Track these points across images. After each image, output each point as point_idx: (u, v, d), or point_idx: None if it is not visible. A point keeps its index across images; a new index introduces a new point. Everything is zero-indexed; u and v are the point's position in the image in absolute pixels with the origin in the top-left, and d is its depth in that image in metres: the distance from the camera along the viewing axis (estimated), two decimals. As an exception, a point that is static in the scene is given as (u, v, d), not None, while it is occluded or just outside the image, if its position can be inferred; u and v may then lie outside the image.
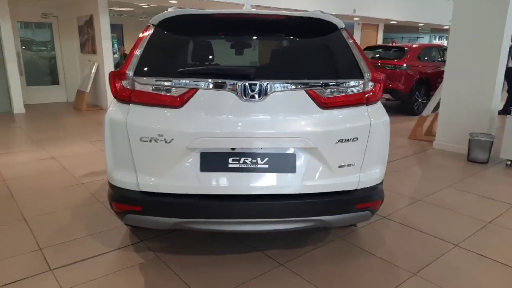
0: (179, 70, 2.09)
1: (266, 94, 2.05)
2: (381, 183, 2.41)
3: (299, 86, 2.09)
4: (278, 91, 2.07)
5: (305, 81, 2.10)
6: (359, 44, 10.12)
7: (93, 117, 7.69)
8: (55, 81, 9.75)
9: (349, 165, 2.20)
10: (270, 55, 2.28)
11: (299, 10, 9.95)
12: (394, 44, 9.28)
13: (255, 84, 2.03)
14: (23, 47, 9.07)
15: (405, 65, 8.14)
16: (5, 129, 6.69)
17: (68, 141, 5.85)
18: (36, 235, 2.90)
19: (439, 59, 8.91)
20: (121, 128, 2.10)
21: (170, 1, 8.31)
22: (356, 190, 2.25)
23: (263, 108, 2.07)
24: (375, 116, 2.24)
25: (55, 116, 7.88)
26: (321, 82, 2.12)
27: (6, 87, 8.05)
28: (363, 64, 2.22)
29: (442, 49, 9.18)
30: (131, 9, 10.44)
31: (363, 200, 2.27)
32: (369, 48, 9.39)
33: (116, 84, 2.12)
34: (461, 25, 5.15)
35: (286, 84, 2.08)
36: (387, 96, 8.34)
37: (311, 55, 2.28)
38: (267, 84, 2.05)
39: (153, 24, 2.27)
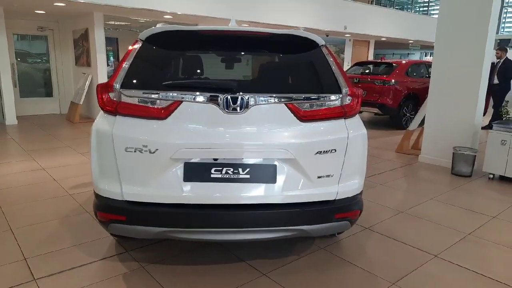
0: (164, 83, 2.18)
1: (247, 107, 2.14)
2: (360, 193, 2.49)
3: (279, 100, 2.18)
4: (259, 104, 2.16)
5: (285, 95, 2.19)
6: (350, 59, 10.26)
7: (86, 129, 7.74)
8: (49, 93, 9.81)
9: (327, 176, 2.28)
10: (252, 70, 2.38)
11: (287, 27, 10.21)
12: (383, 60, 9.47)
13: (237, 98, 2.12)
14: (18, 59, 9.14)
15: (393, 80, 8.32)
16: (-4, 140, 6.71)
17: (59, 152, 5.88)
18: (22, 245, 2.93)
19: (427, 75, 9.11)
20: (107, 138, 2.16)
21: (165, 16, 8.47)
22: (334, 200, 2.33)
23: (245, 120, 2.15)
24: (353, 129, 2.33)
25: (47, 128, 7.91)
26: (301, 96, 2.22)
27: (-1, 98, 8.10)
28: (341, 80, 2.32)
29: (430, 65, 9.38)
30: (127, 23, 10.59)
31: (342, 210, 2.34)
32: (359, 64, 9.59)
33: (103, 96, 2.20)
34: (444, 41, 5.33)
35: (266, 98, 2.17)
36: (375, 110, 8.50)
37: (291, 70, 2.38)
38: (248, 97, 2.13)
39: (141, 39, 2.36)
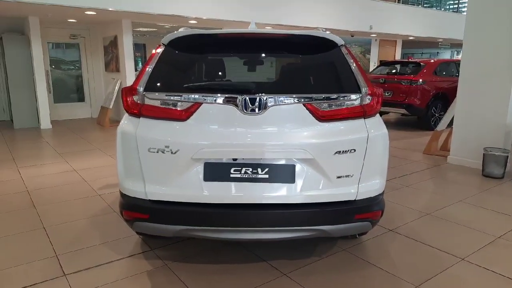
0: (185, 85, 2.24)
1: (265, 107, 2.16)
2: (381, 194, 2.46)
3: (297, 100, 2.20)
4: (277, 105, 2.18)
5: (303, 95, 2.21)
6: (376, 60, 10.09)
7: (115, 132, 7.97)
8: (81, 98, 10.21)
9: (347, 176, 2.27)
10: (271, 71, 2.41)
11: (310, 28, 10.16)
12: (410, 59, 9.26)
13: (255, 98, 2.15)
14: (52, 66, 9.58)
15: (421, 80, 8.12)
16: (32, 143, 7.05)
17: (89, 154, 6.12)
18: (53, 242, 3.07)
19: (457, 74, 8.84)
20: (131, 140, 2.25)
21: (190, 21, 8.65)
22: (355, 200, 2.31)
23: (263, 121, 2.18)
24: (373, 129, 2.31)
25: (79, 131, 8.24)
26: (319, 96, 2.22)
27: (34, 104, 8.50)
28: (360, 79, 2.31)
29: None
30: (154, 29, 10.88)
31: (362, 211, 2.32)
32: (385, 64, 9.43)
33: (128, 99, 2.29)
34: (473, 39, 5.16)
35: (284, 98, 2.19)
36: (402, 111, 8.33)
37: (310, 71, 2.39)
38: (267, 98, 2.16)
39: (163, 44, 2.44)
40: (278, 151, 2.19)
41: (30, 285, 2.48)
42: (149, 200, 2.28)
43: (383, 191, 2.50)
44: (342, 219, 2.30)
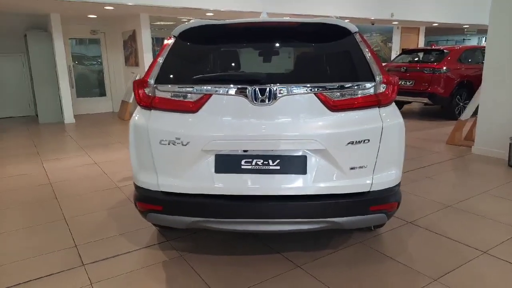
0: (194, 77, 2.23)
1: (275, 98, 2.13)
2: (398, 185, 2.39)
3: (308, 90, 2.15)
4: (287, 95, 2.14)
5: (314, 84, 2.16)
6: (398, 48, 9.75)
7: (135, 126, 8.11)
8: (102, 93, 10.42)
9: (361, 167, 2.21)
10: (283, 60, 2.37)
11: (318, 16, 9.88)
12: (433, 46, 8.97)
13: (265, 89, 2.12)
14: (75, 62, 9.79)
15: (444, 68, 7.86)
16: (56, 137, 7.26)
17: (110, 148, 6.24)
18: (73, 233, 3.15)
19: (483, 62, 8.50)
20: (143, 132, 2.26)
21: (207, 14, 8.64)
22: (369, 192, 2.26)
23: (273, 111, 2.15)
24: (388, 118, 2.24)
25: (100, 125, 8.41)
26: (331, 85, 2.17)
27: (58, 99, 8.73)
28: (374, 67, 2.23)
29: (487, 51, 8.74)
30: (172, 23, 10.94)
31: (377, 202, 2.27)
32: (407, 52, 9.16)
33: (139, 92, 2.30)
34: (499, 24, 4.93)
35: (295, 88, 2.15)
36: (425, 100, 8.09)
37: (322, 60, 2.33)
38: (276, 88, 2.13)
39: (174, 35, 2.43)
40: (289, 142, 2.15)
41: (50, 274, 2.55)
42: (162, 192, 2.29)
43: (400, 182, 2.43)
44: (356, 211, 2.26)
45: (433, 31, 15.54)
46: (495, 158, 5.10)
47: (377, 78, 2.22)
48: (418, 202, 3.67)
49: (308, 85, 2.15)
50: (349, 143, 2.16)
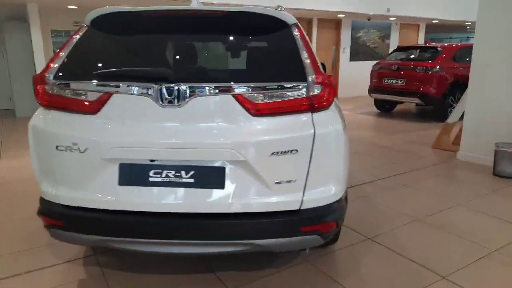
0: (95, 72, 1.91)
1: (185, 99, 1.81)
2: (338, 201, 2.06)
3: (225, 90, 1.83)
4: (199, 96, 1.82)
5: (233, 84, 1.84)
6: (396, 45, 9.18)
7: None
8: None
9: (289, 182, 1.89)
10: (204, 55, 2.05)
11: (321, 11, 9.23)
12: (427, 44, 8.56)
13: (172, 88, 1.80)
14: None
15: (438, 67, 7.46)
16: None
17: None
18: (0, 241, 2.87)
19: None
20: (41, 135, 1.97)
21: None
22: (299, 210, 1.94)
23: (183, 114, 1.84)
24: (323, 125, 1.91)
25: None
26: (253, 86, 1.84)
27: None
28: (308, 65, 1.90)
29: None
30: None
31: (309, 222, 1.95)
32: (400, 49, 8.77)
33: (38, 88, 1.99)
34: (487, 21, 4.57)
35: (209, 88, 1.82)
36: (416, 100, 7.71)
37: (249, 55, 2.01)
38: (186, 87, 1.81)
39: (86, 24, 2.12)
40: (202, 151, 1.84)
41: (-51, 293, 2.27)
42: (62, 205, 1.99)
43: (341, 197, 2.11)
44: (284, 232, 1.94)
45: (434, 28, 15.07)
46: (480, 165, 4.74)
47: (310, 78, 1.88)
48: (385, 214, 3.34)
49: (225, 85, 1.83)
50: (273, 154, 1.84)
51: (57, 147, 1.91)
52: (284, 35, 2.00)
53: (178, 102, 1.81)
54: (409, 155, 5.32)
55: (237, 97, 1.83)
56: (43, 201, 2.08)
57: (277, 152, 1.84)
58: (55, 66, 1.97)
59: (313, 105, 1.90)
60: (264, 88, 1.85)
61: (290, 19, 2.05)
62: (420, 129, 7.15)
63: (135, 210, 1.90)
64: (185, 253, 1.97)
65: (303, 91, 1.88)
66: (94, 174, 1.91)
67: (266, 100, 1.85)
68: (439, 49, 7.82)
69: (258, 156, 1.84)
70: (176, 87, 1.80)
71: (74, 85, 1.92)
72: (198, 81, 1.83)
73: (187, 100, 1.82)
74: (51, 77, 1.96)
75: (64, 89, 1.94)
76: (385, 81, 8.11)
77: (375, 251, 2.74)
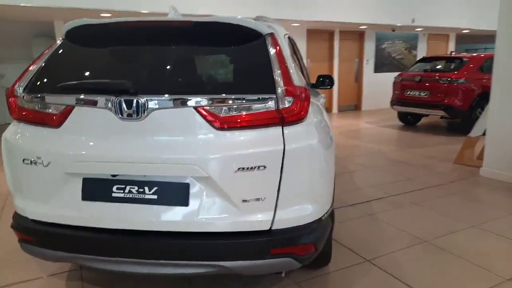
0: (59, 85, 1.88)
1: (145, 112, 1.74)
2: (317, 221, 1.90)
3: (187, 103, 1.74)
4: (159, 109, 1.75)
5: (196, 96, 1.75)
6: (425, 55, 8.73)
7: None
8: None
9: (257, 200, 1.76)
10: (172, 66, 1.98)
11: (340, 23, 8.99)
12: (452, 54, 8.18)
13: (131, 101, 1.74)
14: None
15: (463, 78, 7.08)
16: None
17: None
18: (-12, 253, 2.90)
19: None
20: (10, 148, 1.97)
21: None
22: (270, 230, 1.80)
23: (144, 128, 1.77)
24: (294, 140, 1.77)
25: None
26: (216, 98, 1.75)
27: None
28: (278, 76, 1.78)
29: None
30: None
31: (280, 244, 1.80)
32: (424, 60, 8.43)
33: (10, 101, 1.99)
34: (508, 29, 4.25)
35: (170, 101, 1.74)
36: (440, 113, 7.33)
37: (216, 67, 1.91)
38: (146, 100, 1.74)
39: (61, 37, 2.13)
40: (163, 167, 1.75)
41: None
42: (31, 220, 1.96)
43: (321, 217, 1.95)
44: (251, 254, 1.80)
45: (466, 38, 14.46)
46: (504, 182, 4.38)
47: (279, 90, 1.76)
48: (389, 234, 3.11)
49: (185, 97, 1.74)
50: (239, 170, 1.72)
51: (23, 160, 1.90)
52: (255, 46, 1.90)
53: (137, 115, 1.74)
54: (427, 170, 5.01)
55: (199, 110, 1.74)
56: (15, 215, 2.07)
57: (243, 168, 1.72)
58: (25, 79, 1.97)
59: (283, 119, 1.77)
60: (228, 100, 1.75)
61: (264, 29, 1.95)
62: (444, 143, 6.77)
63: (96, 226, 1.83)
64: (150, 273, 1.87)
65: (271, 103, 1.76)
66: (58, 188, 1.87)
67: (231, 113, 1.75)
68: (465, 59, 7.43)
69: (223, 172, 1.73)
70: (134, 100, 1.74)
71: (39, 98, 1.90)
72: (158, 93, 1.76)
73: (147, 113, 1.75)
74: (20, 89, 1.96)
75: (31, 102, 1.93)
76: (408, 93, 7.79)
77: (371, 275, 2.53)
